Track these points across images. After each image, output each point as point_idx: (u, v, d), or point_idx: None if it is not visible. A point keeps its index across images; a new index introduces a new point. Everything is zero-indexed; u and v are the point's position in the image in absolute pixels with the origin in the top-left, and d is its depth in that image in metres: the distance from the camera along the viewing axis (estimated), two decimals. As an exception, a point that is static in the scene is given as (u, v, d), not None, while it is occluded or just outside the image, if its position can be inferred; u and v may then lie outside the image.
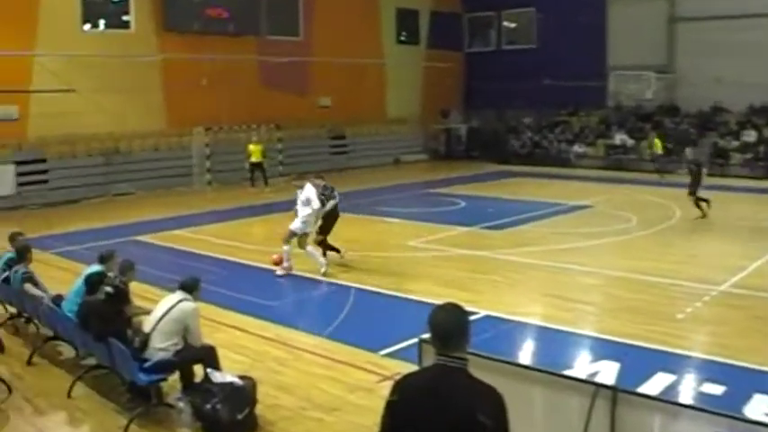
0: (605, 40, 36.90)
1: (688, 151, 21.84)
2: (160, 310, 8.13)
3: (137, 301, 9.84)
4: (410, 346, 8.79)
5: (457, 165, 36.23)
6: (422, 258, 15.51)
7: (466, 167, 34.74)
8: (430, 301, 11.61)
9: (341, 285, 13.32)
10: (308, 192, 14.08)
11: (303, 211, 14.02)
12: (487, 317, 11.21)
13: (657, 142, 30.42)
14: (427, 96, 40.71)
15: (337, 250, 14.72)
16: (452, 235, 18.11)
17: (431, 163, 37.94)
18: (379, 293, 12.75)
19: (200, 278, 8.60)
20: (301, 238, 14.07)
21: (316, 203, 14.01)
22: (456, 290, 12.67)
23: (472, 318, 4.25)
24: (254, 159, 28.12)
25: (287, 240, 14.08)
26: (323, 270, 13.93)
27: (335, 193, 14.65)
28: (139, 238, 18.81)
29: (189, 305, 8.13)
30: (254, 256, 16.03)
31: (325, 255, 14.40)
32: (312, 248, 14.19)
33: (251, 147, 28.28)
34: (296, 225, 14.02)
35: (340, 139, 36.13)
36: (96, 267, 9.68)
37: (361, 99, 37.24)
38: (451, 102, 41.66)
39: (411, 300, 12.26)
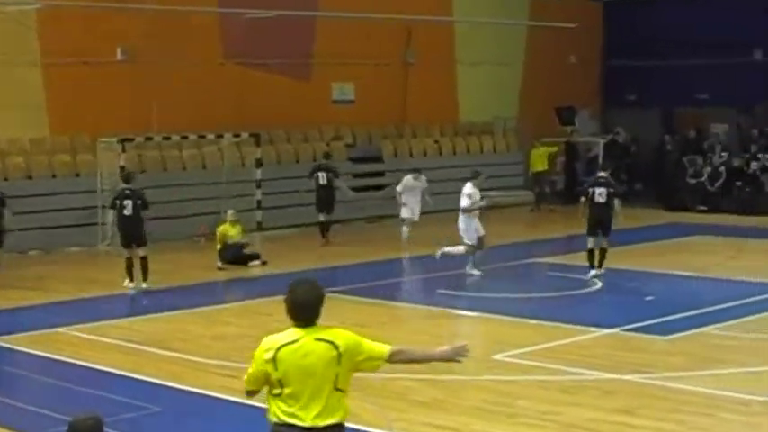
0: None
1: None
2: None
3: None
4: None
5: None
6: (520, 387, 15.42)
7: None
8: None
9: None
10: None
11: None
12: None
13: None
14: (532, 85, 40.92)
15: None
16: (577, 342, 18.11)
17: (538, 207, 37.87)
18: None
19: (104, 419, 8.53)
20: None
21: None
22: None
23: None
24: (229, 241, 26.73)
25: None
26: None
27: None
28: (-7, 340, 18.80)
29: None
30: (213, 378, 16.07)
31: None
32: None
33: (226, 227, 26.67)
34: None
35: (372, 162, 36.38)
36: None
37: (411, 89, 37.46)
38: (578, 95, 41.73)
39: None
